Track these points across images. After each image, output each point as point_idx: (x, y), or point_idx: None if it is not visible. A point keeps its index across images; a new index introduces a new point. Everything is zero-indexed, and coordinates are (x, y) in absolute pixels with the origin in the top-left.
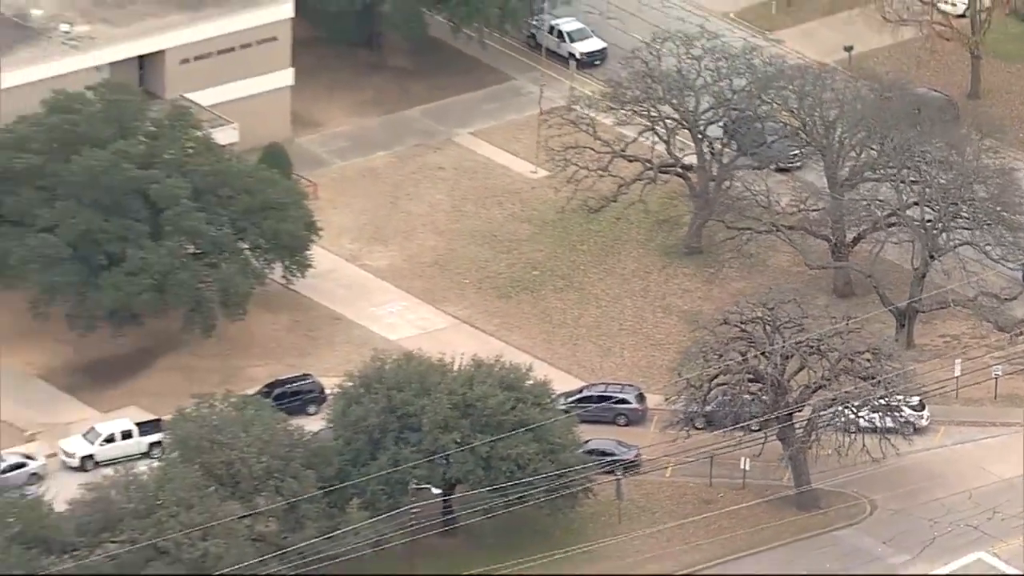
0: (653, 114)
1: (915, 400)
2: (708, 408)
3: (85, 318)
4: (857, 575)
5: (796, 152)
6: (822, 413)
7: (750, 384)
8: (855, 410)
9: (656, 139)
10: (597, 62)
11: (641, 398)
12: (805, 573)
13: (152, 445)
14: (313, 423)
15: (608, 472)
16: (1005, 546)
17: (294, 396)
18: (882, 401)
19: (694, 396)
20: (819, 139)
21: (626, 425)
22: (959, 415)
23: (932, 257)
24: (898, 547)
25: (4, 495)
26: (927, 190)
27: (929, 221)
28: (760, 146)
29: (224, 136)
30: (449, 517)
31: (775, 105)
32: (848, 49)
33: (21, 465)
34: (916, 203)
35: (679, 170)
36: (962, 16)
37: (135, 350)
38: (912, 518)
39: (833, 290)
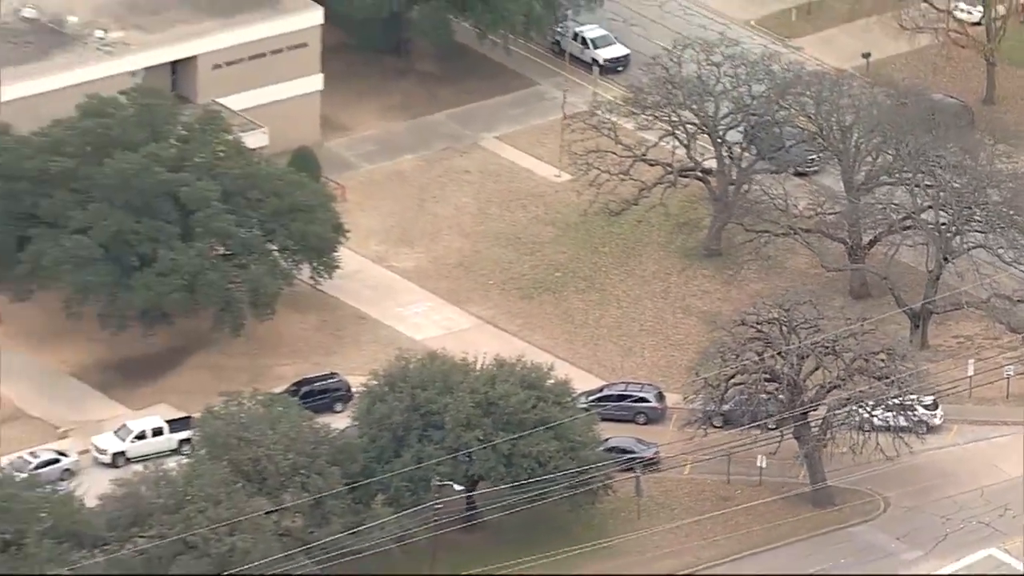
0: (674, 119)
1: (929, 399)
2: (726, 407)
3: (117, 317)
4: (869, 574)
5: (813, 156)
6: (837, 412)
7: (767, 384)
8: (869, 409)
9: (676, 144)
10: (620, 68)
11: (660, 397)
12: (820, 569)
13: (182, 442)
14: (339, 421)
15: (627, 469)
16: (1016, 543)
17: (321, 394)
18: (896, 400)
19: (712, 395)
20: (836, 144)
21: (645, 423)
22: (972, 414)
23: (946, 260)
24: (911, 543)
25: (37, 490)
26: (941, 194)
27: (943, 224)
28: (778, 151)
29: (254, 140)
30: (471, 513)
31: (793, 110)
32: (866, 56)
33: (54, 461)
34: (931, 207)
35: (699, 174)
36: (977, 24)
37: (166, 349)
38: (925, 515)
39: (849, 292)
